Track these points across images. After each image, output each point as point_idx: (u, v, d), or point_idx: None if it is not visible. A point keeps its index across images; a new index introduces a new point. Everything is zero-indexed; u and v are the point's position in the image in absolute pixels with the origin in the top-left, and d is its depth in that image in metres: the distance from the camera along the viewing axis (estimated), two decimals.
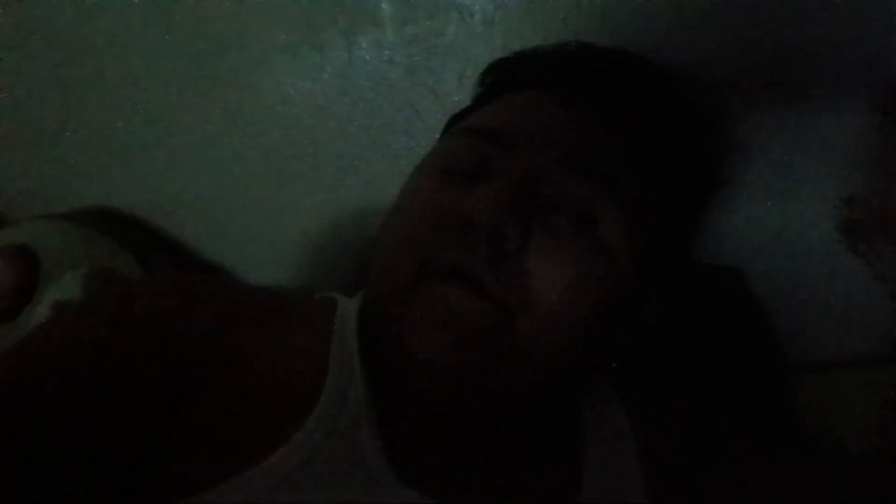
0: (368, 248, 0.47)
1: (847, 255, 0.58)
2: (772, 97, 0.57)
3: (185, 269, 0.72)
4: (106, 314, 0.42)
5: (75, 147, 0.69)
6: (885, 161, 0.52)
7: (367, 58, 0.62)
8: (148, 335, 0.41)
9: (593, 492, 0.45)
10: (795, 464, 0.52)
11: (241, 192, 0.70)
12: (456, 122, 0.54)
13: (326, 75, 0.63)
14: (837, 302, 0.60)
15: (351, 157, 0.66)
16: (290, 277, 0.73)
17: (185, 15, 0.64)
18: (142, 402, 0.39)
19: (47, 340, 0.40)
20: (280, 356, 0.43)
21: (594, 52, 0.52)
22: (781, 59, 0.54)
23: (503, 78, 0.53)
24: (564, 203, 0.43)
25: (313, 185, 0.68)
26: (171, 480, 0.38)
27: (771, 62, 0.55)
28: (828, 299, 0.61)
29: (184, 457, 0.38)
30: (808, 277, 0.61)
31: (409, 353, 0.41)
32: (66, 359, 0.39)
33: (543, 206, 0.42)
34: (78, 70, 0.67)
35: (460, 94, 0.60)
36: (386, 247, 0.45)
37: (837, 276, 0.59)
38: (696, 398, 0.55)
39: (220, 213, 0.71)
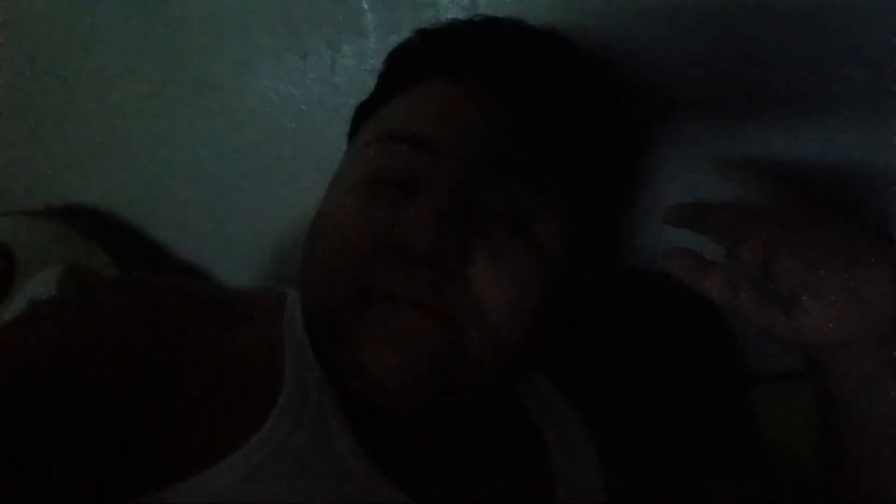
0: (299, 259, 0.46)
1: None
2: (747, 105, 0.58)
3: (160, 269, 0.72)
4: (66, 315, 0.42)
5: (52, 145, 0.69)
6: None
7: (350, 65, 0.63)
8: (108, 335, 0.41)
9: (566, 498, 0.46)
10: (751, 479, 0.54)
11: (218, 193, 0.70)
12: (364, 111, 0.52)
13: (309, 81, 0.64)
14: None
15: (330, 163, 0.66)
16: (264, 280, 0.74)
17: (166, 14, 0.64)
18: (101, 402, 0.39)
19: (8, 340, 0.40)
20: (237, 352, 0.43)
21: (506, 33, 0.49)
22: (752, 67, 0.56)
23: (411, 64, 0.50)
24: (497, 208, 0.43)
25: (291, 190, 0.69)
26: (136, 477, 0.38)
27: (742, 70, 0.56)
28: None
29: (149, 453, 0.38)
30: None
31: (362, 374, 0.41)
32: (26, 359, 0.38)
33: (477, 215, 0.42)
34: (54, 68, 0.67)
35: None
36: (319, 262, 0.44)
37: None
38: (655, 409, 0.57)
39: (197, 214, 0.72)
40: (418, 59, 0.50)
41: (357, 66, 0.62)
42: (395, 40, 0.61)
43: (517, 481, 0.46)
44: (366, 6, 0.60)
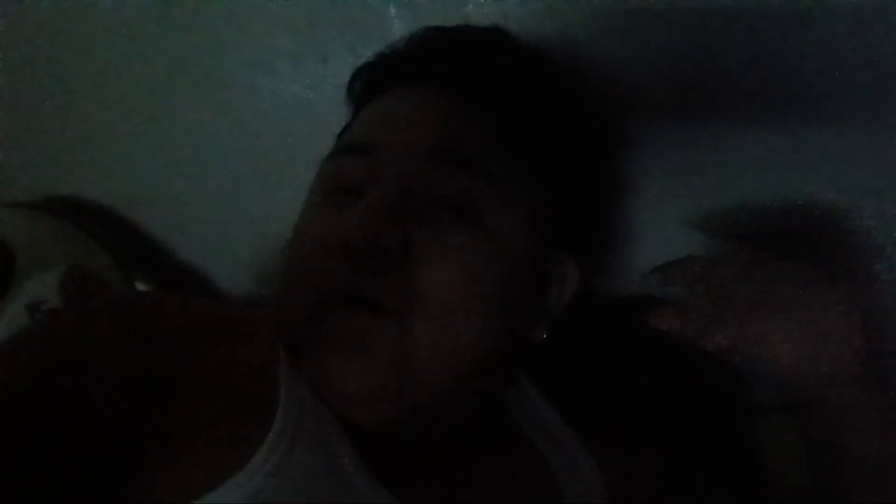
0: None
1: None
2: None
3: (160, 270, 0.70)
4: (64, 334, 0.41)
5: (55, 139, 0.66)
6: None
7: None
8: (110, 353, 0.40)
9: None
10: None
11: (224, 195, 0.68)
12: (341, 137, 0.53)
13: (328, 86, 0.61)
14: None
15: None
16: (267, 285, 0.72)
17: (180, 6, 0.61)
18: (101, 420, 0.38)
19: (12, 358, 0.39)
20: (237, 371, 0.43)
21: (446, 36, 0.51)
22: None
23: (367, 85, 0.53)
24: (441, 197, 0.43)
25: (300, 196, 0.66)
26: (145, 495, 0.37)
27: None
28: None
29: (151, 476, 0.38)
30: None
31: (329, 385, 0.41)
32: (21, 380, 0.38)
33: (421, 206, 0.42)
34: (59, 60, 0.64)
35: None
36: (283, 279, 0.45)
37: None
38: (660, 438, 0.57)
39: (200, 216, 0.69)
40: (372, 77, 0.53)
41: None
42: None
43: (519, 486, 0.47)
44: (393, 12, 0.58)
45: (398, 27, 0.58)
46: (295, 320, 0.42)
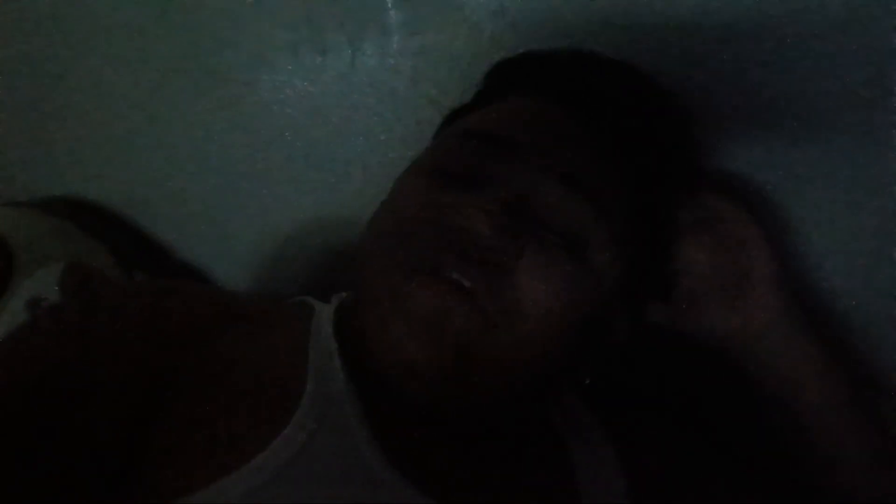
0: (356, 246, 0.47)
1: None
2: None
3: (160, 267, 0.69)
4: (72, 326, 0.41)
5: (53, 138, 0.66)
6: None
7: (371, 64, 0.60)
8: (122, 341, 0.40)
9: None
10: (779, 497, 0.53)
11: (224, 191, 0.68)
12: (453, 119, 0.53)
13: (327, 78, 0.61)
14: None
15: (345, 163, 0.64)
16: (266, 281, 0.71)
17: (179, 7, 0.62)
18: (114, 409, 0.38)
19: (12, 355, 0.39)
20: (258, 360, 0.42)
21: (603, 63, 0.52)
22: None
23: (507, 79, 0.53)
24: (559, 220, 0.43)
25: (303, 189, 0.66)
26: (155, 484, 0.37)
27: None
28: None
29: (167, 460, 0.38)
30: None
31: (388, 353, 0.41)
32: (31, 374, 0.38)
33: (538, 222, 0.42)
34: (56, 57, 0.64)
35: None
36: (375, 244, 0.44)
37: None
38: (682, 428, 0.56)
39: (200, 211, 0.69)
40: (515, 74, 0.53)
41: (378, 65, 0.60)
42: (418, 40, 0.60)
43: (540, 486, 0.46)
44: (389, 4, 0.58)
45: (395, 18, 0.58)
46: (384, 283, 0.42)
